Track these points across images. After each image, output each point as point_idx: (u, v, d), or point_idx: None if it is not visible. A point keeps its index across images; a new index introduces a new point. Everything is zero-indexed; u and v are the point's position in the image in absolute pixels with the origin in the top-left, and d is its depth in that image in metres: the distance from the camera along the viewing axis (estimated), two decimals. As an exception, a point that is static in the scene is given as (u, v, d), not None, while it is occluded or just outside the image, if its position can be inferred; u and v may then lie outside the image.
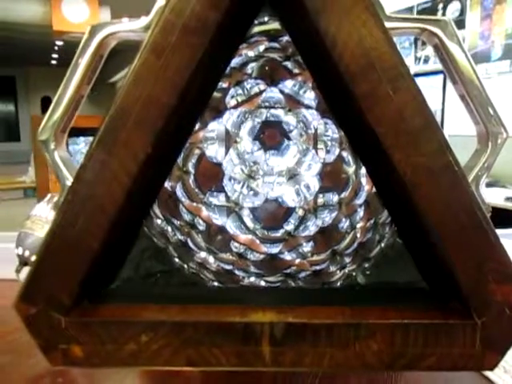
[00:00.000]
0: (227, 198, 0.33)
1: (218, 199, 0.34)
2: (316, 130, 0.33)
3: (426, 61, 3.04)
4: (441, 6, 2.94)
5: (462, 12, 2.83)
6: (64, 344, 0.28)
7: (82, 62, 0.30)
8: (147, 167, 0.28)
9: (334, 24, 0.27)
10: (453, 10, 2.89)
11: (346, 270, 0.36)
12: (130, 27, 0.30)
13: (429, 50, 3.01)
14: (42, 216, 0.60)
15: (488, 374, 0.43)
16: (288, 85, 0.33)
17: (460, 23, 2.81)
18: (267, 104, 0.33)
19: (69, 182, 0.32)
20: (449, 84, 2.88)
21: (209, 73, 0.31)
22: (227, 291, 0.36)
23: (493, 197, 2.08)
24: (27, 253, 0.58)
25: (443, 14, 2.85)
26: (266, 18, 0.34)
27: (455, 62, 0.30)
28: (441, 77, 2.90)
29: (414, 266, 0.33)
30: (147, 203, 0.35)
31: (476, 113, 0.31)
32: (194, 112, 0.33)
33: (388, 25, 0.27)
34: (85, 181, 0.28)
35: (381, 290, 0.35)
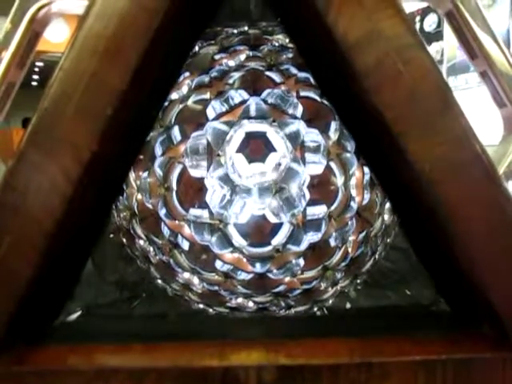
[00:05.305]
0: (211, 214, 0.32)
1: (202, 216, 0.32)
2: (302, 140, 0.31)
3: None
4: (418, 18, 2.97)
5: (439, 24, 2.87)
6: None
7: (12, 42, 0.24)
8: (94, 170, 0.22)
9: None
10: (430, 22, 2.92)
11: (338, 287, 0.35)
12: (67, -3, 0.24)
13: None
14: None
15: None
16: (271, 95, 0.32)
17: (438, 35, 2.84)
18: (250, 115, 0.32)
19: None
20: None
21: (169, 52, 0.26)
22: (203, 323, 0.31)
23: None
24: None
25: (421, 26, 2.88)
26: (246, 28, 0.33)
27: (474, 32, 0.25)
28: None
29: (431, 283, 0.28)
30: (99, 216, 0.29)
31: (502, 92, 0.26)
32: (154, 101, 0.27)
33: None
34: (14, 188, 0.23)
35: (392, 315, 0.30)
